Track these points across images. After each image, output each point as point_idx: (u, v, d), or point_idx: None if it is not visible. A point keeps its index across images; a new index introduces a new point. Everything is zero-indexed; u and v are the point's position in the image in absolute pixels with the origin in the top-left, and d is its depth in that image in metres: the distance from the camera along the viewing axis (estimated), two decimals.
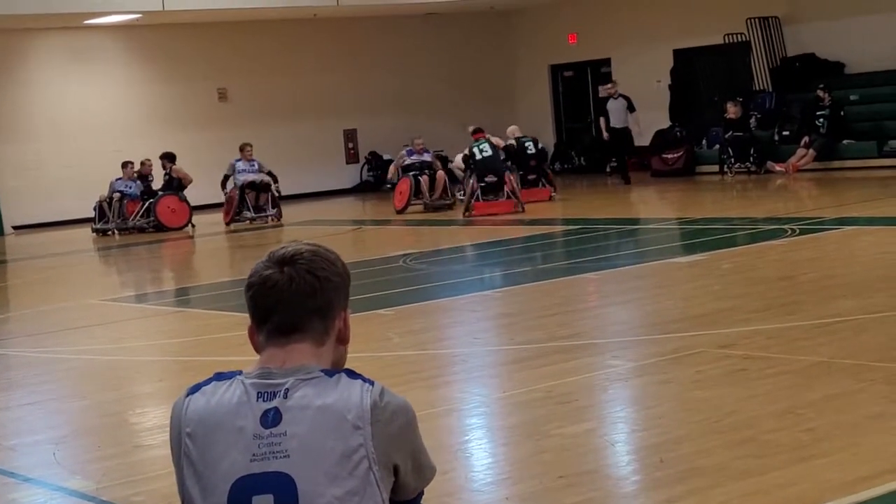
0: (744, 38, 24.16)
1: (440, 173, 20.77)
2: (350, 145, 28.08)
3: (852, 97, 22.12)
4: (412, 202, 20.45)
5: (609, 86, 23.79)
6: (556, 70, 29.32)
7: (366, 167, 28.05)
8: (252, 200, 21.08)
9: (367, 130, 27.93)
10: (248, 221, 20.83)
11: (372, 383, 2.45)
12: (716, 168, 23.18)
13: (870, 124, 21.62)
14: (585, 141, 28.37)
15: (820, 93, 21.83)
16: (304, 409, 2.42)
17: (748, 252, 12.45)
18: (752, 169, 22.35)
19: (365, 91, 27.73)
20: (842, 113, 21.74)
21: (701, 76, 25.93)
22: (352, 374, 2.47)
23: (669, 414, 6.30)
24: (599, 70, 28.30)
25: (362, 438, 2.39)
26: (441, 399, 7.01)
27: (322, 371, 2.47)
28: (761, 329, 8.11)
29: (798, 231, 13.23)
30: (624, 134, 23.37)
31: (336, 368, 2.50)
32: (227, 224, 20.87)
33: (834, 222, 13.95)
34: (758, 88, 24.21)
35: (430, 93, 28.51)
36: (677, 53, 26.15)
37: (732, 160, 22.66)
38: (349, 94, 27.57)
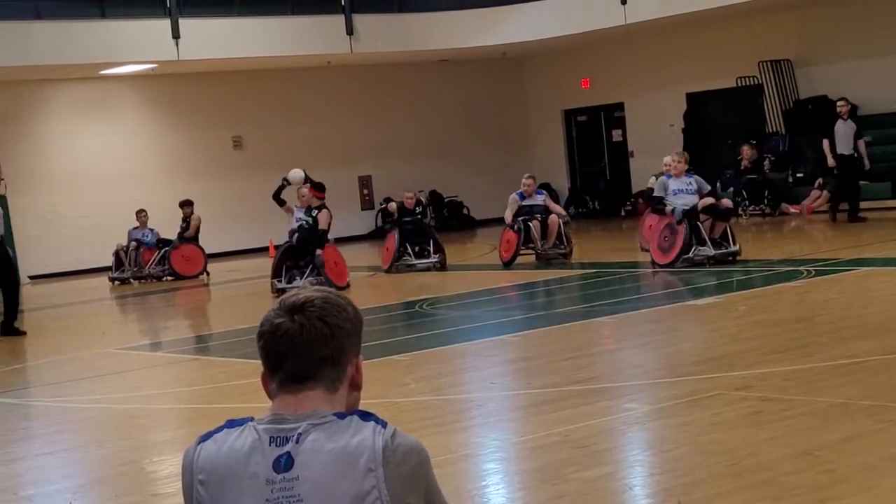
0: (756, 81, 24.22)
1: (553, 217, 17.90)
2: (365, 191, 28.17)
3: (866, 139, 22.10)
4: (521, 251, 17.63)
5: (842, 103, 20.34)
6: (569, 115, 29.42)
7: (381, 214, 28.12)
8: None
9: (381, 176, 28.02)
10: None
11: (384, 425, 2.45)
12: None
13: (884, 165, 21.60)
14: (599, 185, 28.41)
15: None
16: (316, 453, 2.41)
17: (764, 294, 12.42)
18: (767, 211, 22.35)
19: (379, 137, 27.86)
20: (855, 155, 21.70)
21: (714, 119, 25.97)
22: (364, 416, 2.47)
23: (687, 457, 6.26)
24: (613, 114, 28.41)
25: (375, 481, 2.39)
26: (458, 444, 6.99)
27: (334, 415, 2.47)
28: (778, 371, 8.08)
29: (814, 272, 13.21)
30: (854, 162, 20.05)
31: (348, 411, 2.50)
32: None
33: (849, 263, 13.92)
34: (770, 131, 24.23)
35: (445, 138, 28.63)
36: (690, 97, 26.23)
37: (747, 203, 22.66)
38: (363, 140, 27.69)
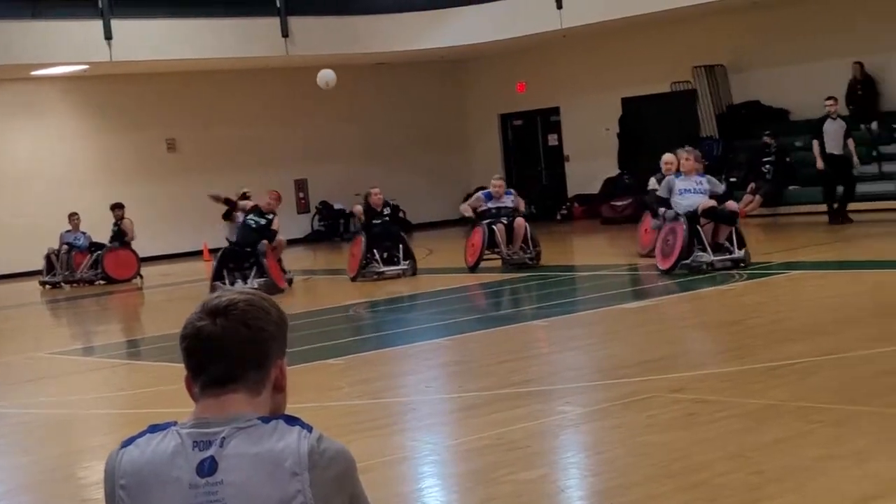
0: (690, 87, 24.42)
1: (519, 220, 16.78)
2: (301, 195, 28.04)
3: (797, 143, 22.35)
4: (484, 256, 16.81)
5: (830, 102, 19.66)
6: (506, 119, 29.49)
7: (317, 217, 28.01)
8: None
9: (317, 180, 27.91)
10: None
11: (310, 429, 2.41)
12: None
13: (815, 170, 21.82)
14: (535, 189, 28.49)
15: (766, 139, 22.07)
16: (240, 457, 2.38)
17: (698, 297, 12.50)
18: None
19: (315, 141, 27.75)
20: (787, 159, 21.98)
21: (649, 124, 26.15)
22: (290, 421, 2.43)
23: (621, 459, 6.28)
24: (549, 119, 28.51)
25: (300, 485, 2.36)
26: (392, 448, 6.95)
27: (259, 419, 2.43)
28: (712, 373, 8.13)
29: (746, 276, 13.31)
30: (844, 162, 19.60)
31: (274, 415, 2.46)
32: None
33: (781, 267, 14.05)
34: (705, 135, 24.44)
35: (382, 142, 28.58)
36: (625, 101, 26.38)
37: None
38: (299, 143, 27.57)
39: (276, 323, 2.50)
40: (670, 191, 14.36)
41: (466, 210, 17.45)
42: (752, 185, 21.90)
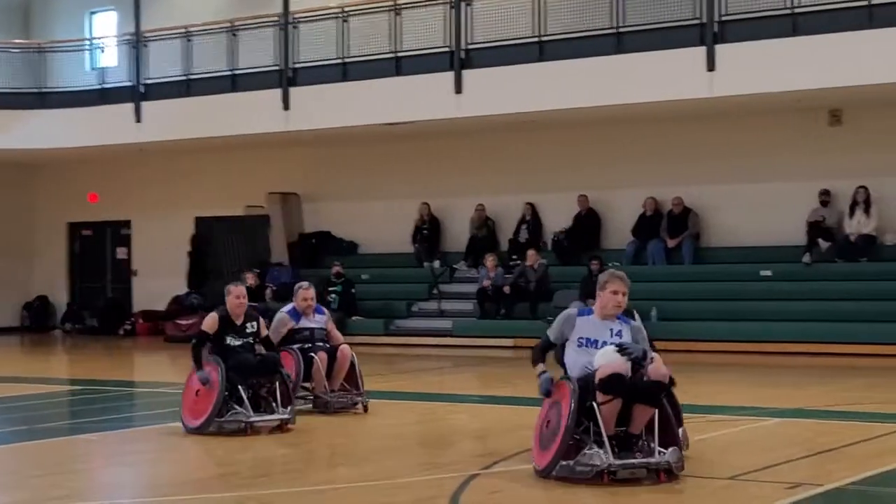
0: (264, 212, 24.76)
1: (344, 349, 12.31)
2: None
3: (363, 276, 23.08)
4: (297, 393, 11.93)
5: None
6: (74, 228, 28.64)
7: None
8: None
9: None
10: None
11: None
12: None
13: (380, 303, 22.58)
14: (99, 302, 27.71)
15: (335, 269, 22.63)
16: None
17: None
18: None
19: None
20: (353, 290, 22.60)
21: (221, 245, 26.18)
22: None
23: None
24: (119, 231, 27.96)
25: None
26: None
27: None
28: (253, 495, 8.09)
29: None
30: None
31: None
32: None
33: None
34: (275, 261, 24.76)
35: None
36: (199, 221, 26.32)
37: None
38: None
39: None
40: (564, 334, 8.48)
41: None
42: None
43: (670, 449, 8.03)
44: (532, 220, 22.41)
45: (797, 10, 18.05)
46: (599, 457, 7.92)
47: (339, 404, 12.14)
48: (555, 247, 22.04)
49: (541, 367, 8.35)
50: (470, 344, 20.76)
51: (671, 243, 20.99)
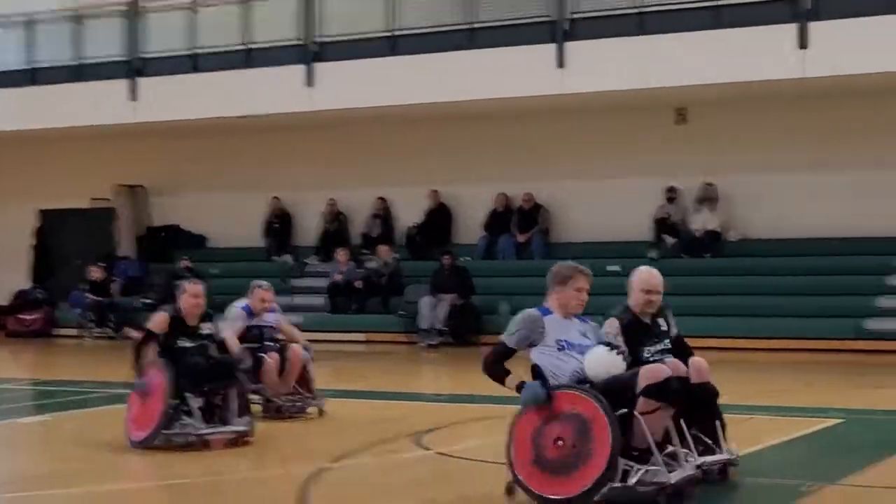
0: (111, 205, 24.29)
1: (295, 349, 11.31)
2: None
3: (213, 270, 22.76)
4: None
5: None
6: None
7: None
8: None
9: None
10: None
11: None
12: (75, 331, 22.90)
13: (230, 298, 22.20)
14: None
15: (183, 263, 22.30)
16: None
17: (96, 415, 12.21)
18: (111, 334, 22.33)
19: None
20: None
21: (66, 238, 25.57)
22: None
23: None
24: None
25: None
26: None
27: None
28: (96, 491, 7.92)
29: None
30: None
31: None
32: None
33: None
34: (122, 255, 24.31)
35: None
36: (44, 213, 25.65)
37: (93, 324, 22.57)
38: None
39: None
40: (529, 338, 7.57)
41: (232, 343, 10.63)
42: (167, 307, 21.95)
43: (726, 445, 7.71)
44: (384, 214, 22.40)
45: (644, 10, 18.38)
46: (656, 474, 6.95)
47: (288, 408, 11.07)
48: (407, 241, 22.07)
49: (512, 378, 7.18)
50: (322, 339, 20.63)
51: (521, 238, 21.17)
